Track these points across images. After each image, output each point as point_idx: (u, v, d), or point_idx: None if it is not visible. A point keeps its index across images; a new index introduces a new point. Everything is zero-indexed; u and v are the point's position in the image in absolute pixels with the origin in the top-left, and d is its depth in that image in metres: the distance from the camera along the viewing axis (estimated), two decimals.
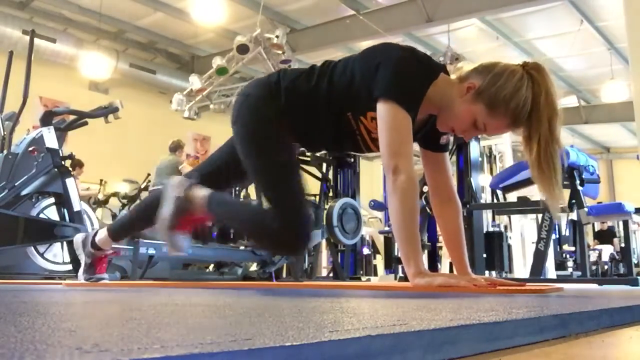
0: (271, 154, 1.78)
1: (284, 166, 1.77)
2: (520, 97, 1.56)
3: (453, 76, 1.69)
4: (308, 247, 1.84)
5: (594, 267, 8.10)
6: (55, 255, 4.10)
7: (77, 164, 6.89)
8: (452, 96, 1.64)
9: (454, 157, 6.01)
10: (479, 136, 6.49)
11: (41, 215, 3.99)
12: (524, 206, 4.77)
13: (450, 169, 1.91)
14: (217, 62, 9.17)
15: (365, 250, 8.71)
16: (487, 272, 5.01)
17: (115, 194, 8.30)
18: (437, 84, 1.65)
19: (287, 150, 1.81)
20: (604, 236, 9.69)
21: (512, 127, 1.61)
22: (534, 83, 1.57)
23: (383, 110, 1.60)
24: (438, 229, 5.84)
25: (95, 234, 2.28)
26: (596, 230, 10.02)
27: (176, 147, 7.09)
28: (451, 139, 1.90)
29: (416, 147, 1.82)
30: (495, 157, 7.67)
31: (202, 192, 1.92)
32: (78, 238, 2.32)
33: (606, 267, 8.54)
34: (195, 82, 9.48)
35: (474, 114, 1.61)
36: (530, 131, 1.57)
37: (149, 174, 7.63)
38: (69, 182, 3.94)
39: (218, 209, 1.94)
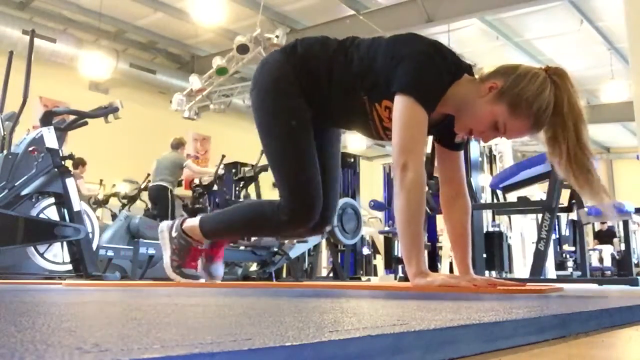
0: (285, 122, 1.78)
1: (296, 137, 1.78)
2: (543, 100, 1.53)
3: (475, 76, 1.67)
4: (317, 221, 1.83)
5: (597, 273, 8.08)
6: (55, 255, 4.10)
7: (80, 163, 6.91)
8: (473, 97, 1.61)
9: None
10: None
11: (41, 215, 3.99)
12: (524, 206, 4.77)
13: (464, 167, 1.89)
14: (217, 62, 9.17)
15: (365, 250, 8.70)
16: (487, 272, 5.01)
17: (115, 194, 8.31)
18: (459, 84, 1.63)
19: (301, 117, 1.79)
20: (604, 237, 9.68)
21: (533, 130, 1.58)
22: (557, 87, 1.55)
23: (400, 104, 1.58)
24: (439, 227, 5.86)
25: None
26: (596, 230, 10.01)
27: (178, 145, 7.10)
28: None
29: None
30: (495, 157, 7.66)
31: (193, 222, 1.98)
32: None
33: (609, 272, 8.52)
34: (195, 82, 9.49)
35: (495, 114, 1.58)
36: (556, 136, 1.55)
37: (149, 174, 7.63)
38: (69, 182, 3.94)
39: (213, 228, 1.99)
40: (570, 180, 1.56)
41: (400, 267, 6.41)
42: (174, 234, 2.01)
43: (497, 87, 1.58)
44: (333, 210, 1.98)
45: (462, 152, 1.88)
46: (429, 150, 1.92)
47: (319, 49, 1.79)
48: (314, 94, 1.79)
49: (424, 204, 1.62)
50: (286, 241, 5.66)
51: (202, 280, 2.09)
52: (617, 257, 8.63)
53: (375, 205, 7.99)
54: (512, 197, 5.15)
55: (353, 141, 12.55)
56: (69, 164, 4.19)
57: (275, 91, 1.81)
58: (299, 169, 1.78)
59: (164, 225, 2.06)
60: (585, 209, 3.85)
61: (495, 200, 5.89)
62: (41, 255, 3.98)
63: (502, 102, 1.57)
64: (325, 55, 1.76)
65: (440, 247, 6.05)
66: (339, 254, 6.64)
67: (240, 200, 6.68)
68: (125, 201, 8.12)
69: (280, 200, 1.80)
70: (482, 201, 5.77)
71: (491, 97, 1.58)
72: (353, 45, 1.76)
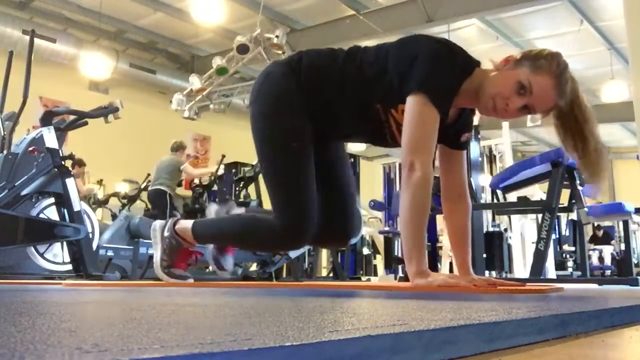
0: (284, 145, 1.74)
1: (294, 161, 1.74)
2: (561, 60, 1.59)
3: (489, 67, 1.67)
4: (308, 239, 1.83)
5: (597, 272, 8.08)
6: (55, 255, 4.10)
7: (77, 163, 6.90)
8: (489, 75, 1.61)
9: None
10: (479, 136, 6.48)
11: (41, 215, 3.99)
12: (524, 206, 4.77)
13: (466, 168, 1.86)
14: (217, 62, 9.16)
15: (365, 250, 8.70)
16: (487, 272, 5.01)
17: (115, 194, 8.31)
18: (472, 78, 1.62)
19: (302, 138, 1.75)
20: (599, 242, 9.64)
21: (557, 89, 1.56)
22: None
23: (412, 103, 1.56)
24: (439, 227, 5.85)
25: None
26: (591, 234, 9.96)
27: (177, 148, 7.10)
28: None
29: None
30: (495, 157, 7.67)
31: (186, 224, 1.99)
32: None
33: (609, 271, 8.51)
34: (195, 82, 9.47)
35: (517, 74, 1.57)
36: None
37: (148, 174, 7.64)
38: (69, 182, 3.94)
39: (205, 234, 1.99)
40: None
41: (400, 267, 6.41)
42: (166, 234, 2.02)
43: (514, 57, 1.61)
44: (354, 224, 1.94)
45: (465, 152, 1.85)
46: None
47: (326, 61, 1.75)
48: (321, 109, 1.75)
49: (429, 204, 1.60)
50: None
51: (190, 281, 2.09)
52: (617, 257, 8.62)
53: (375, 205, 7.99)
54: (512, 197, 5.15)
55: None
56: (69, 164, 4.19)
57: (276, 110, 1.77)
58: (295, 193, 1.75)
59: (157, 224, 2.07)
60: (585, 209, 3.84)
61: (495, 200, 5.89)
62: (41, 255, 3.98)
63: (523, 64, 1.58)
64: (334, 67, 1.72)
65: (440, 247, 6.05)
66: (339, 254, 6.64)
67: (240, 200, 6.68)
68: (125, 201, 8.12)
69: (274, 219, 1.77)
70: (482, 201, 5.78)
71: (510, 65, 1.60)
72: (360, 53, 1.72)
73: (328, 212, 1.85)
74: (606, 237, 9.66)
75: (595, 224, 9.35)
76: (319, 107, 1.76)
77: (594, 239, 9.77)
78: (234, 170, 7.30)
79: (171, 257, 2.02)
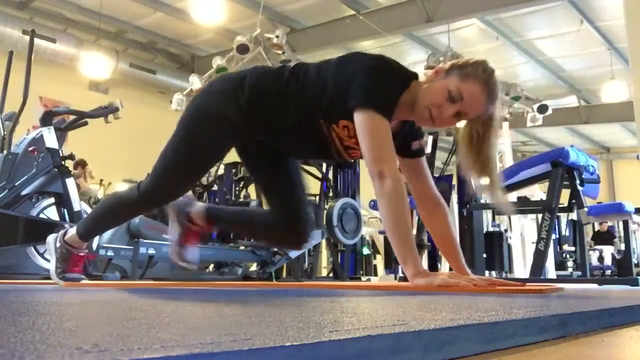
0: (189, 143, 1.83)
1: (188, 158, 1.84)
2: (487, 66, 1.66)
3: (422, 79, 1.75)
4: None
5: (596, 272, 8.08)
6: None
7: (80, 164, 6.91)
8: (423, 87, 1.69)
9: (454, 158, 6.01)
10: None
11: (41, 215, 3.99)
12: (524, 206, 4.77)
13: (429, 174, 1.93)
14: (217, 62, 9.15)
15: (365, 250, 8.70)
16: (487, 272, 5.01)
17: None
18: (409, 90, 1.69)
19: (207, 152, 1.86)
20: (602, 238, 9.65)
21: (486, 93, 1.64)
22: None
23: (361, 118, 1.62)
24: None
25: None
26: (596, 230, 9.99)
27: None
28: (425, 141, 1.96)
29: None
30: None
31: (72, 232, 2.15)
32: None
33: (609, 271, 8.51)
34: (195, 82, 9.47)
35: (447, 84, 1.64)
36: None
37: (148, 174, 7.63)
38: (69, 182, 3.94)
39: (86, 228, 2.15)
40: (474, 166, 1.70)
41: (400, 267, 6.41)
42: (57, 245, 2.17)
43: (443, 69, 1.69)
44: (309, 227, 1.96)
45: (424, 159, 1.91)
46: None
47: (269, 81, 1.78)
48: (265, 126, 1.80)
49: (407, 206, 1.64)
50: None
51: (85, 281, 2.25)
52: (617, 256, 8.63)
53: (375, 205, 7.99)
54: (512, 197, 5.16)
55: None
56: (69, 164, 4.19)
57: (199, 123, 1.82)
58: (179, 168, 1.88)
59: (51, 237, 2.23)
60: (585, 209, 3.84)
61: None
62: (41, 255, 3.99)
63: (451, 74, 1.66)
64: (277, 87, 1.75)
65: None
66: (339, 254, 6.64)
67: (240, 200, 6.68)
68: None
69: (143, 182, 1.95)
70: (482, 201, 5.78)
71: (441, 76, 1.68)
72: (302, 72, 1.76)
73: (284, 215, 1.93)
74: (609, 235, 9.66)
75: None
76: (263, 125, 1.80)
77: (598, 235, 9.78)
78: (234, 170, 7.29)
79: (64, 264, 2.18)
